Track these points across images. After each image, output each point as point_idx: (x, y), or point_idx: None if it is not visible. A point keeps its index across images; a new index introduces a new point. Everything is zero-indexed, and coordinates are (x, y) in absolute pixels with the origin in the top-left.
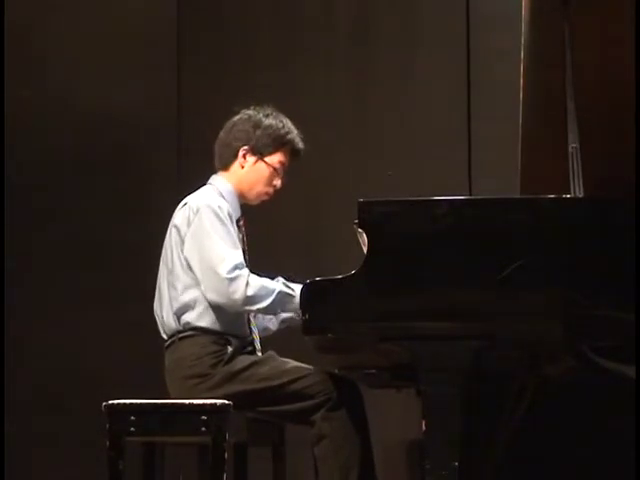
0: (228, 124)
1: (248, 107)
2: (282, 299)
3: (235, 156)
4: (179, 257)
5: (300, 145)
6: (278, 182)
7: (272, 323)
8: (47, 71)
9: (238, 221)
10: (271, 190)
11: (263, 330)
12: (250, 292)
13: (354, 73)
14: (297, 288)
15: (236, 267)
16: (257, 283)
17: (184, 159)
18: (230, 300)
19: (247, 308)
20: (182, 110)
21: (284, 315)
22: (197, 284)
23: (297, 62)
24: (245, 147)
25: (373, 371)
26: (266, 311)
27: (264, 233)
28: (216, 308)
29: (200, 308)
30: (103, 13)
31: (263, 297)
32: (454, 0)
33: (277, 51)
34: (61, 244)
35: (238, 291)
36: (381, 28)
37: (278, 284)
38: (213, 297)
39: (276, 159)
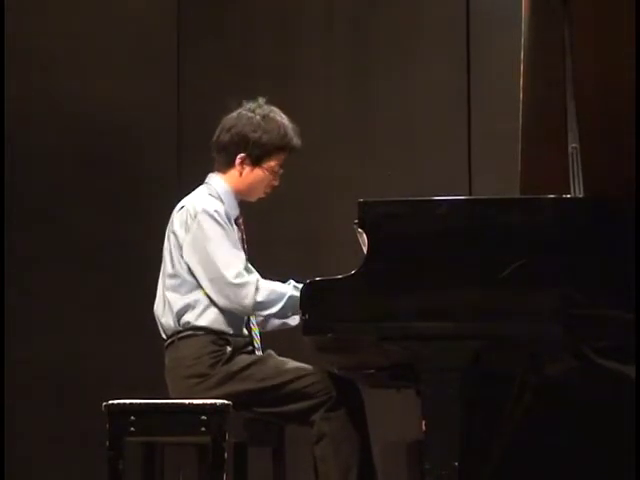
0: (225, 123)
1: (243, 103)
2: (293, 303)
3: (232, 162)
4: (179, 261)
5: (297, 143)
6: (277, 181)
7: (292, 319)
8: (47, 71)
9: (237, 219)
10: (269, 190)
11: (282, 325)
12: (260, 298)
13: (354, 73)
14: None
15: (243, 271)
16: (266, 288)
17: (184, 159)
18: (240, 306)
19: (258, 313)
20: (182, 110)
21: None
22: (199, 286)
23: (297, 62)
24: (242, 155)
25: (373, 371)
26: (277, 316)
27: (264, 233)
28: (216, 308)
29: (200, 308)
30: (103, 13)
31: (273, 302)
32: (454, 0)
33: (277, 51)
34: (61, 244)
35: (247, 297)
36: (381, 28)
37: (289, 287)
38: (224, 303)
39: (274, 162)
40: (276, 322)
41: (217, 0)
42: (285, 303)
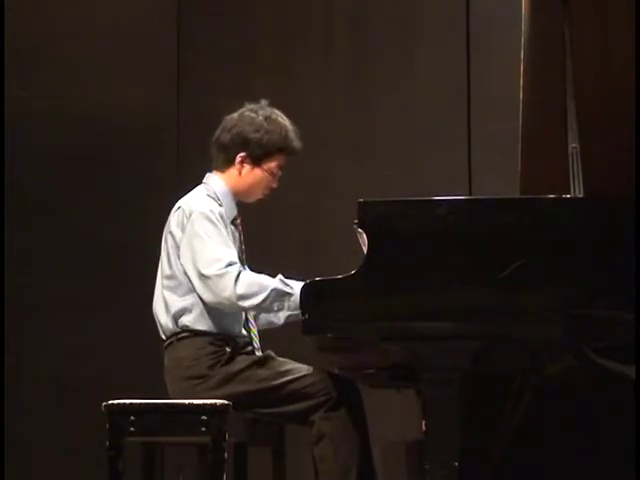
0: (227, 123)
1: (245, 104)
2: (277, 296)
3: (232, 161)
4: (176, 263)
5: (298, 145)
6: (275, 183)
7: (278, 317)
8: (47, 71)
9: (234, 220)
10: (267, 191)
11: (268, 324)
12: (240, 290)
13: (354, 73)
14: (296, 285)
15: (226, 265)
16: (247, 280)
17: (184, 159)
18: (222, 298)
19: (240, 305)
20: (182, 110)
21: (289, 312)
22: (194, 289)
23: (297, 62)
24: (242, 154)
25: (373, 371)
26: (260, 309)
27: (264, 233)
28: (212, 310)
29: (197, 311)
30: (103, 13)
31: (255, 294)
32: (454, 0)
33: (277, 51)
34: (61, 244)
35: (227, 288)
36: (381, 28)
37: (274, 281)
38: (208, 298)
39: (274, 164)
40: (261, 320)
41: (217, 0)
42: (268, 295)
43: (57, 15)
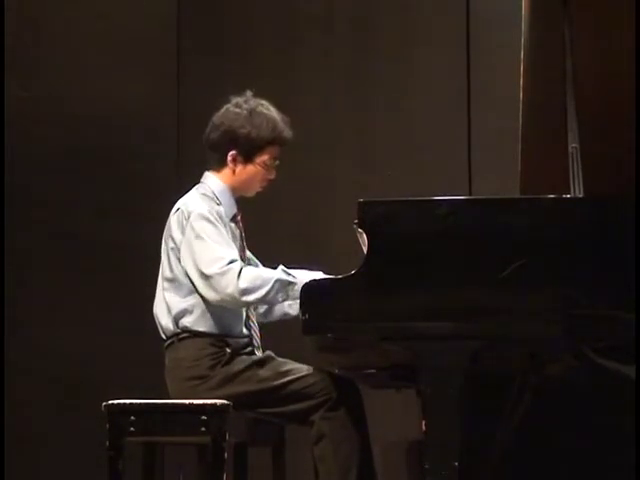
0: (214, 120)
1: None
2: (281, 287)
3: (224, 160)
4: (177, 265)
5: (288, 134)
6: (272, 174)
7: (293, 309)
8: (47, 72)
9: (235, 217)
10: (265, 184)
11: (283, 315)
12: (243, 284)
13: (354, 73)
14: (299, 274)
15: (228, 263)
16: (250, 274)
17: (184, 159)
18: (226, 295)
19: (245, 300)
20: (182, 110)
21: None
22: (196, 290)
23: (297, 62)
24: (233, 152)
25: (373, 371)
26: (265, 301)
27: (264, 233)
28: (213, 312)
29: (198, 313)
30: (103, 13)
31: (259, 287)
32: (454, 0)
33: (277, 52)
34: (61, 244)
35: (230, 285)
36: (381, 28)
37: (276, 272)
38: (211, 296)
39: (266, 157)
40: (276, 312)
41: (217, 0)
42: (272, 287)
43: (57, 15)
